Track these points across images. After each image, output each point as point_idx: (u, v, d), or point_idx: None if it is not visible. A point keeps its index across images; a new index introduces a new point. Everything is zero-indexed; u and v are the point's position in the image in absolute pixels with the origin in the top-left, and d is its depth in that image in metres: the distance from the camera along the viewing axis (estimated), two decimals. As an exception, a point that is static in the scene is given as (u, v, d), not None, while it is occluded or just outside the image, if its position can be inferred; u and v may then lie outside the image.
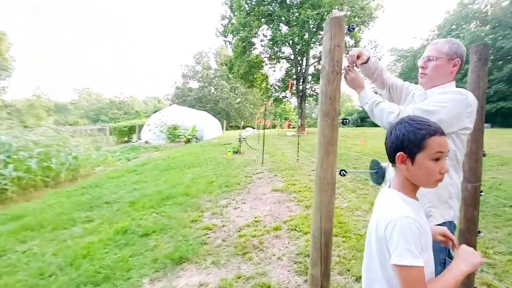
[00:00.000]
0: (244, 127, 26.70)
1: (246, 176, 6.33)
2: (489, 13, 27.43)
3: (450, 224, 1.17)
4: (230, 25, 21.93)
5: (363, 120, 39.14)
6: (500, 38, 25.28)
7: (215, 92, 49.60)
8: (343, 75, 1.29)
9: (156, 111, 25.29)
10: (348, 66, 1.35)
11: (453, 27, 31.47)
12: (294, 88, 22.27)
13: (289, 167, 7.31)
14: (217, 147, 12.88)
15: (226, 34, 22.56)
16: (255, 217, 3.77)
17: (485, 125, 1.76)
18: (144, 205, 4.27)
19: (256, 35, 21.56)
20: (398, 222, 0.73)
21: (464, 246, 0.85)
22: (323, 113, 1.23)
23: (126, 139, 20.36)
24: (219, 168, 7.37)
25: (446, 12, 34.69)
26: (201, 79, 50.24)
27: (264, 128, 8.81)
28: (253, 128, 29.86)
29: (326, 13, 18.68)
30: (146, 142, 16.89)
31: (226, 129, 34.45)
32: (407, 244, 0.71)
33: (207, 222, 3.66)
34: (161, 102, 55.11)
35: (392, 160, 0.85)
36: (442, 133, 0.80)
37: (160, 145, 15.02)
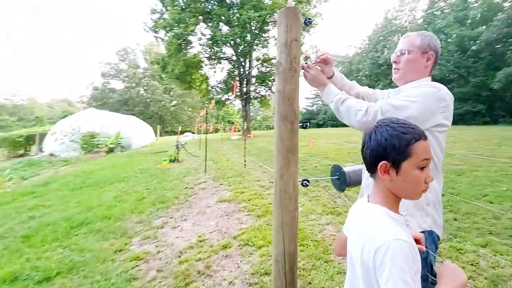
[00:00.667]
0: (182, 132, 25.64)
1: (186, 188, 5.82)
2: (408, 28, 33.03)
3: (429, 234, 1.11)
4: (162, 20, 21.02)
5: (308, 121, 42.17)
6: None
7: (145, 94, 46.77)
8: (301, 73, 1.27)
9: (66, 116, 22.19)
10: (306, 63, 1.33)
11: (381, 38, 36.79)
12: (237, 90, 22.40)
13: (236, 174, 7.08)
14: (149, 156, 11.99)
15: (157, 29, 21.46)
16: (199, 236, 3.36)
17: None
18: (44, 238, 3.38)
19: (193, 33, 21.19)
20: (390, 247, 0.66)
21: (447, 262, 0.82)
22: (281, 116, 1.15)
23: (22, 151, 17.07)
24: (152, 181, 6.63)
25: (375, 25, 41.17)
26: (126, 78, 46.72)
27: (206, 133, 8.36)
28: (193, 133, 28.99)
29: (268, 16, 19.42)
30: (51, 154, 14.28)
31: (161, 135, 32.81)
32: (402, 274, 0.64)
33: (136, 250, 3.05)
34: (72, 105, 49.31)
35: (372, 169, 0.78)
36: (425, 138, 0.76)
37: (71, 157, 12.93)
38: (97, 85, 47.15)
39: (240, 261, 2.72)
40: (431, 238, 1.11)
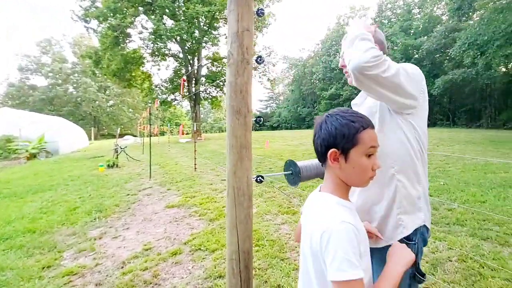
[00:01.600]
0: (121, 135, 24.15)
1: (128, 195, 5.53)
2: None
3: (423, 230, 1.09)
4: (94, 8, 19.50)
5: (261, 124, 42.86)
6: None
7: (74, 92, 42.92)
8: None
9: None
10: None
11: (333, 42, 39.20)
12: (186, 90, 21.83)
13: (186, 178, 6.95)
14: (82, 161, 11.13)
15: (88, 19, 19.71)
16: (145, 244, 3.22)
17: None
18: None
19: (133, 25, 20.17)
20: (335, 230, 0.71)
21: (396, 243, 0.86)
22: (233, 110, 1.14)
23: None
24: (86, 188, 6.14)
25: (327, 29, 43.63)
26: (51, 74, 42.40)
27: (149, 136, 8.01)
28: (135, 136, 27.45)
29: (218, 11, 19.29)
30: None
31: (96, 139, 30.59)
32: (346, 254, 0.68)
33: (69, 265, 2.80)
34: (-22, 104, 43.14)
35: (323, 158, 0.83)
36: (373, 127, 0.82)
37: (-20, 165, 11.32)
38: (12, 81, 41.91)
39: (192, 267, 2.68)
40: (423, 232, 1.10)
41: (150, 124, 7.89)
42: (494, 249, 2.76)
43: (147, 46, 21.87)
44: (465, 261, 2.54)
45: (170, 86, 23.29)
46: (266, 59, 24.59)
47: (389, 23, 33.72)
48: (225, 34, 23.64)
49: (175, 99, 24.75)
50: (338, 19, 42.13)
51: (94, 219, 4.14)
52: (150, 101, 19.83)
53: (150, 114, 7.76)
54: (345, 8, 72.71)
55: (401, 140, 1.05)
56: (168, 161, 10.30)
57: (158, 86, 24.41)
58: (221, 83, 23.89)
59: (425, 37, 28.28)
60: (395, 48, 29.56)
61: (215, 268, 2.61)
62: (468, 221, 3.46)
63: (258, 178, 1.42)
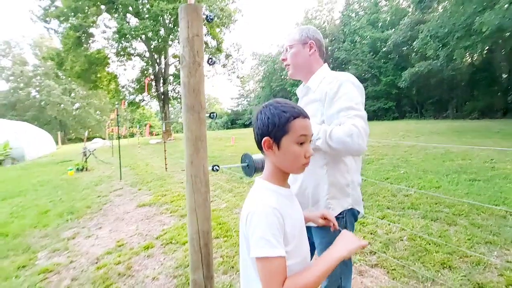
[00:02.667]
0: (90, 138, 23.18)
1: (99, 197, 5.55)
2: (326, 29, 34.99)
3: (350, 212, 1.25)
4: (54, 8, 18.47)
5: (233, 122, 42.65)
6: (336, 50, 32.57)
7: (38, 96, 40.34)
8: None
9: None
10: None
11: None
12: (154, 90, 21.25)
13: (157, 178, 7.00)
14: (50, 166, 10.75)
15: (47, 19, 18.67)
16: (118, 241, 3.37)
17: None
18: None
19: (96, 24, 19.32)
20: (256, 211, 0.75)
21: (344, 231, 0.90)
22: (188, 107, 1.24)
23: None
24: (56, 192, 6.07)
25: (296, 24, 42.23)
26: (12, 77, 39.53)
27: (118, 138, 7.93)
28: (104, 138, 26.46)
29: (184, 8, 18.70)
30: None
31: (63, 143, 29.05)
32: (264, 233, 0.72)
33: (44, 264, 2.92)
34: None
35: (260, 146, 0.85)
36: (305, 116, 0.83)
37: None
38: (-32, 85, 38.47)
39: (164, 259, 2.84)
40: (351, 213, 1.26)
41: (119, 126, 7.77)
42: (441, 228, 3.01)
43: (111, 46, 20.91)
44: (414, 240, 2.80)
45: (138, 86, 22.51)
46: (235, 55, 24.05)
47: (356, 16, 33.26)
48: None
49: (143, 100, 24.03)
50: (306, 13, 41.08)
51: (67, 220, 4.19)
52: (117, 103, 19.16)
53: (117, 115, 7.63)
54: (312, 2, 71.01)
55: None
56: (138, 162, 10.22)
57: (125, 86, 23.56)
58: None
59: (392, 30, 27.98)
60: (363, 42, 29.38)
61: (185, 258, 2.72)
62: (422, 205, 3.70)
63: (214, 167, 1.54)
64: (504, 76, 21.50)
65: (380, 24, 31.46)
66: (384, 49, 27.75)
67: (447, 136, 11.05)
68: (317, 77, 1.31)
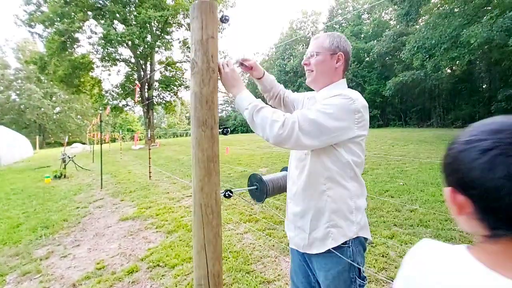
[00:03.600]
0: (69, 143, 21.99)
1: (78, 208, 5.06)
2: (310, 39, 36.98)
3: (356, 240, 1.09)
4: (40, 13, 17.76)
5: (225, 133, 42.31)
6: None
7: (18, 99, 38.33)
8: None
9: None
10: (226, 60, 1.18)
11: (287, 47, 39.21)
12: (138, 95, 20.69)
13: (141, 187, 6.54)
14: (26, 172, 9.95)
15: (32, 24, 17.96)
16: (98, 263, 2.97)
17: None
18: None
19: (82, 30, 18.73)
20: None
21: None
22: (199, 122, 1.02)
23: None
24: (31, 202, 5.51)
25: (281, 34, 42.87)
26: (-8, 81, 37.39)
27: (101, 144, 7.42)
28: (84, 143, 25.24)
29: (171, 16, 18.62)
30: None
31: (41, 148, 27.52)
32: None
33: (11, 291, 2.50)
34: None
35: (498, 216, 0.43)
36: None
37: None
38: None
39: (151, 286, 2.50)
40: (358, 242, 1.10)
41: (101, 132, 7.26)
42: None
43: (96, 51, 20.32)
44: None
45: (122, 91, 21.95)
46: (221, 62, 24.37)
47: (340, 28, 34.22)
48: (178, 39, 23.01)
49: (127, 105, 23.38)
50: (291, 23, 41.76)
51: (40, 236, 3.73)
52: (101, 108, 18.39)
53: (101, 121, 7.13)
54: (297, 13, 72.18)
55: (333, 159, 1.06)
56: (120, 169, 9.67)
57: (108, 91, 22.83)
58: (176, 88, 23.04)
59: (375, 41, 28.59)
60: None
61: (176, 286, 2.42)
62: (431, 222, 3.42)
63: (226, 193, 1.25)
64: (484, 86, 22.10)
65: (363, 36, 32.37)
66: (367, 59, 28.85)
67: (436, 144, 10.79)
68: (329, 91, 1.17)
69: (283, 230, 3.28)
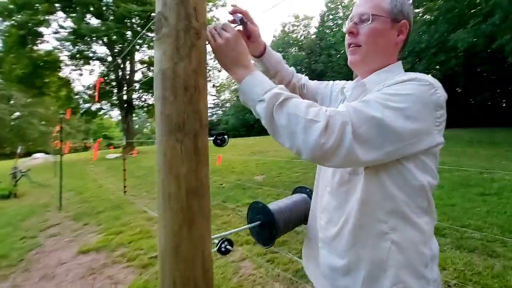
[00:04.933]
0: (29, 153, 21.00)
1: (24, 238, 4.34)
2: (303, 42, 38.95)
3: None
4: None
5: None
6: (312, 62, 35.41)
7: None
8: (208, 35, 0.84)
9: None
10: (221, 23, 0.90)
11: (280, 49, 41.24)
12: (115, 97, 20.14)
13: (112, 206, 5.93)
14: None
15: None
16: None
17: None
18: None
19: (47, 23, 18.41)
20: None
21: None
22: (170, 126, 0.70)
23: None
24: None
25: (273, 36, 45.84)
26: None
27: (61, 155, 6.68)
28: (48, 153, 24.23)
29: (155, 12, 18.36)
30: None
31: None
32: None
33: None
34: None
35: None
36: None
37: None
38: None
39: None
40: None
41: (62, 140, 6.54)
42: (485, 263, 2.64)
43: (65, 48, 19.96)
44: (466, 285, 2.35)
45: (95, 93, 21.37)
46: (211, 63, 25.25)
47: (331, 32, 36.74)
48: None
49: (102, 109, 23.21)
50: (284, 27, 44.44)
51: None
52: (62, 112, 17.87)
53: (61, 127, 6.48)
54: (289, 17, 77.35)
55: (400, 182, 0.78)
56: (89, 184, 9.18)
57: (79, 93, 22.53)
58: None
59: None
60: (338, 55, 32.57)
61: None
62: (448, 230, 3.40)
63: (223, 246, 0.87)
64: (460, 91, 24.41)
65: None
66: None
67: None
68: (383, 75, 0.88)
69: (287, 254, 3.13)
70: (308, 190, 1.25)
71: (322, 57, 34.01)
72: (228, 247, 0.82)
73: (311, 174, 7.24)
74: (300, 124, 0.70)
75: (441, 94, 0.78)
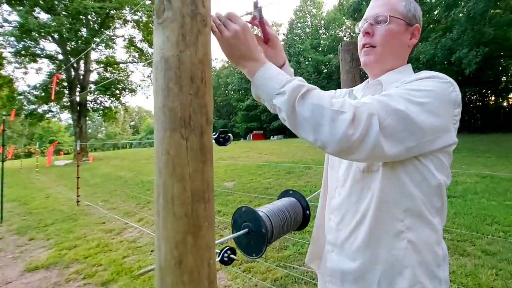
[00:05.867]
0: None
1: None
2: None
3: None
4: None
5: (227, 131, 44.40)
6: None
7: None
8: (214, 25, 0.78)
9: None
10: (226, 13, 0.83)
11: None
12: (66, 99, 18.83)
13: (63, 218, 5.51)
14: None
15: None
16: None
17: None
18: None
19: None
20: None
21: None
22: (175, 120, 0.62)
23: None
24: None
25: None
26: None
27: (2, 160, 6.05)
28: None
29: (114, 9, 17.60)
30: None
31: None
32: None
33: None
34: None
35: None
36: None
37: None
38: None
39: None
40: None
41: (4, 145, 5.95)
42: (457, 262, 2.71)
43: (9, 43, 18.46)
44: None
45: (43, 94, 20.08)
46: None
47: (300, 40, 38.13)
48: (123, 36, 21.83)
49: (50, 111, 21.57)
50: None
51: None
52: (4, 114, 16.33)
53: (4, 130, 5.88)
54: None
55: (418, 180, 0.79)
56: (34, 194, 8.51)
57: (23, 94, 20.87)
58: (118, 91, 22.00)
59: (332, 54, 33.09)
60: (307, 62, 34.09)
61: None
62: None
63: (225, 256, 0.82)
64: None
65: (321, 48, 37.11)
66: (326, 70, 32.99)
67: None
68: (397, 75, 0.92)
69: (264, 262, 3.01)
70: (296, 193, 1.21)
71: (291, 64, 35.11)
72: (232, 256, 0.76)
73: (283, 180, 7.28)
74: (326, 116, 0.69)
75: (459, 92, 0.80)
